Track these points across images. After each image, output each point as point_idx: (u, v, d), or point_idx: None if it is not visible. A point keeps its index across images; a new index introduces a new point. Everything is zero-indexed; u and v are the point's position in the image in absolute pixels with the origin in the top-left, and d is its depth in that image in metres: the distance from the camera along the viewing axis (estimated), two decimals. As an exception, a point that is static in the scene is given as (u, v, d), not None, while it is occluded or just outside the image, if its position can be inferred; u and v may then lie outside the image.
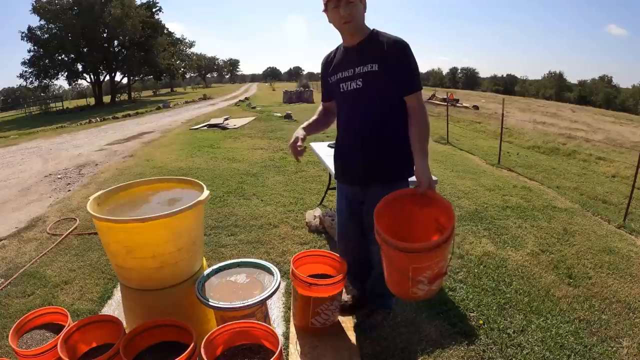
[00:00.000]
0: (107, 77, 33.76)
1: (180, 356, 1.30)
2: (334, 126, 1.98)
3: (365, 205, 1.80)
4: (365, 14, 1.64)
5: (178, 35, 61.13)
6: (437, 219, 1.51)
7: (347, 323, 2.04)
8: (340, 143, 1.87)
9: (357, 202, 1.86)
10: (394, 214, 1.55)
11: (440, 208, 1.49)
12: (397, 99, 1.63)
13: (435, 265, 1.38)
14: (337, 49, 1.79)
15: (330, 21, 1.65)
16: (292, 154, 1.72)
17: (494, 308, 2.27)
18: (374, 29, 1.66)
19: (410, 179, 1.72)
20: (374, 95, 1.63)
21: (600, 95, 65.38)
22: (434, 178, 2.61)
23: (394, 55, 1.57)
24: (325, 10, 1.64)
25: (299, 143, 1.66)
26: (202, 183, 1.84)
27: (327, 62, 1.81)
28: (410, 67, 1.59)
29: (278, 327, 2.08)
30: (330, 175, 3.75)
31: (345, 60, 1.69)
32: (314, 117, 1.94)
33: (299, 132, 1.74)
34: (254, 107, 17.03)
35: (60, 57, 29.83)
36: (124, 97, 35.90)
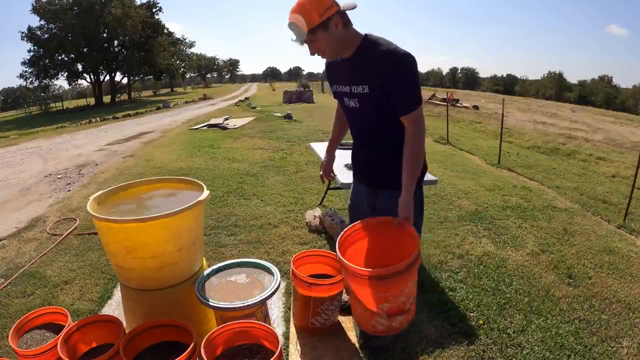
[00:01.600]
0: (107, 77, 33.75)
1: (180, 356, 1.30)
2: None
3: (375, 212, 1.74)
4: (348, 31, 1.47)
5: (178, 36, 61.23)
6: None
7: (347, 323, 2.04)
8: (353, 144, 1.85)
9: (369, 204, 1.81)
10: (370, 240, 1.57)
11: (408, 241, 1.46)
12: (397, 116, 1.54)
13: (393, 298, 1.34)
14: None
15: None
16: (323, 177, 1.97)
17: (494, 308, 2.27)
18: (366, 36, 1.50)
19: (426, 179, 1.72)
20: (371, 113, 1.57)
21: (600, 95, 65.37)
22: (433, 178, 2.63)
23: (381, 75, 1.45)
24: None
25: (332, 174, 1.93)
26: (202, 183, 1.84)
27: (329, 66, 1.73)
28: (401, 87, 1.46)
29: (278, 327, 2.08)
30: (330, 175, 3.74)
31: (342, 73, 1.61)
32: (334, 127, 1.99)
33: (329, 159, 1.97)
34: (254, 107, 17.03)
35: (60, 57, 29.83)
36: (124, 97, 35.90)
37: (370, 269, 1.34)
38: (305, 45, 1.49)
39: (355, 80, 1.54)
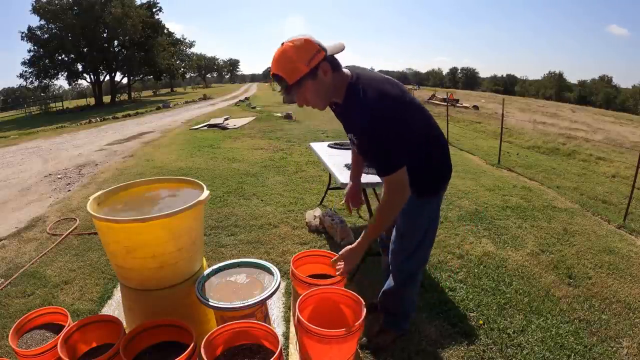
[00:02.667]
0: (107, 77, 33.75)
1: (180, 356, 1.30)
2: (336, 125, 2.01)
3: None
4: (334, 77, 1.37)
5: (178, 36, 61.17)
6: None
7: (347, 323, 2.04)
8: None
9: None
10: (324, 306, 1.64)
11: (352, 308, 1.57)
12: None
13: None
14: None
15: None
16: (349, 205, 1.95)
17: (494, 308, 2.27)
18: (350, 84, 1.39)
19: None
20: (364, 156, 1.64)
21: (600, 95, 65.40)
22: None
23: (362, 135, 1.43)
24: None
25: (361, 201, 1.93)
26: (202, 183, 1.84)
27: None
28: (370, 152, 1.44)
29: (278, 327, 2.08)
30: (330, 176, 3.74)
31: (340, 117, 1.58)
32: (352, 162, 1.96)
33: (354, 186, 1.93)
34: (254, 107, 17.02)
35: (60, 57, 29.84)
36: (124, 97, 35.90)
37: (311, 326, 1.40)
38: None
39: (347, 127, 1.54)
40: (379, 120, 1.34)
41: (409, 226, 1.68)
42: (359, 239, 1.56)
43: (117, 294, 2.38)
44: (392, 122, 1.36)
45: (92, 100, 33.12)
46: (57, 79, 34.62)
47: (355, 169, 1.94)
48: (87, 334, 1.59)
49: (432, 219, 1.70)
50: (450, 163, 1.65)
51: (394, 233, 1.75)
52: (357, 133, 1.46)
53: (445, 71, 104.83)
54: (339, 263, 1.65)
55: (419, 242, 1.70)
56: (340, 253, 1.63)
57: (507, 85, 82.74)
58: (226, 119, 11.49)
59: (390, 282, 1.86)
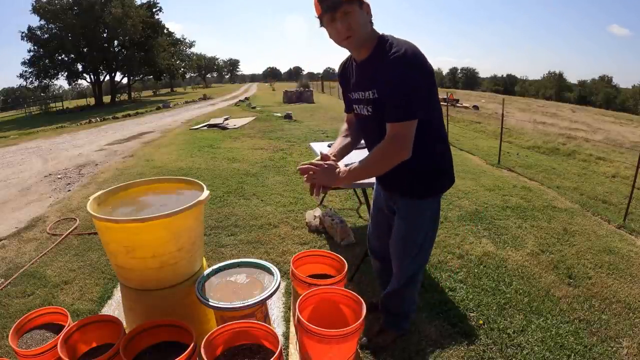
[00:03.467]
0: (107, 77, 33.77)
1: (180, 356, 1.30)
2: (336, 125, 1.98)
3: (395, 217, 1.72)
4: (373, 19, 1.42)
5: (178, 36, 61.18)
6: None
7: (347, 323, 2.04)
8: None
9: (388, 208, 1.79)
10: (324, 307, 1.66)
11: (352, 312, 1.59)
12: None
13: None
14: (351, 57, 1.57)
15: (329, 37, 1.43)
16: (312, 189, 1.48)
17: (494, 308, 2.27)
18: (382, 36, 1.42)
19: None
20: (382, 122, 1.41)
21: (600, 95, 65.38)
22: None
23: (387, 75, 1.35)
24: (322, 26, 1.42)
25: (326, 190, 1.51)
26: (202, 183, 1.84)
27: (343, 73, 1.64)
28: (397, 90, 1.34)
29: (278, 327, 2.08)
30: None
31: (357, 79, 1.52)
32: (340, 139, 1.72)
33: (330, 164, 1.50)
34: (254, 107, 17.02)
35: (60, 57, 29.86)
36: (124, 97, 35.91)
37: (310, 326, 1.42)
38: (321, 31, 1.41)
39: (368, 86, 1.45)
40: (410, 65, 1.33)
41: (411, 229, 1.67)
42: (348, 169, 1.44)
43: (117, 294, 2.38)
44: (421, 70, 1.35)
45: (92, 100, 33.13)
46: (57, 79, 34.64)
47: (346, 145, 1.68)
48: (87, 334, 1.59)
49: (434, 220, 1.70)
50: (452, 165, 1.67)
51: (394, 236, 1.74)
52: (384, 79, 1.37)
53: (445, 71, 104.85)
54: (310, 167, 1.45)
55: (421, 244, 1.69)
56: (320, 163, 1.45)
57: (507, 85, 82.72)
58: (226, 119, 11.49)
59: (393, 284, 1.85)
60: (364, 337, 1.92)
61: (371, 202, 2.00)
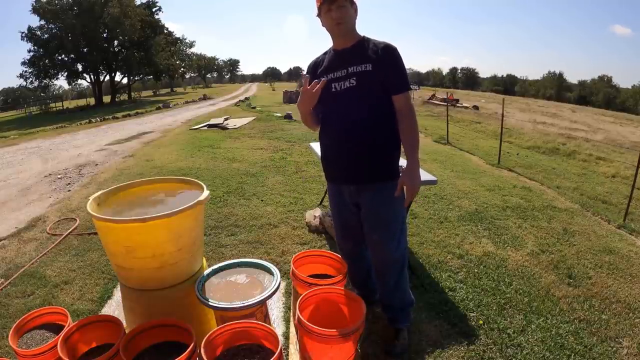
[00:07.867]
0: (107, 77, 33.76)
1: (180, 356, 1.30)
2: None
3: (362, 210, 1.81)
4: (356, 20, 1.72)
5: (178, 35, 61.09)
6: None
7: (347, 323, 2.04)
8: (329, 143, 1.83)
9: (353, 202, 1.84)
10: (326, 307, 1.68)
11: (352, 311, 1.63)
12: (388, 100, 1.68)
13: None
14: (326, 53, 1.83)
15: (323, 25, 1.72)
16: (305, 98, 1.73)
17: (494, 308, 2.27)
18: (364, 36, 1.74)
19: (425, 178, 1.82)
20: (366, 94, 1.67)
21: (600, 95, 65.39)
22: (432, 178, 2.63)
23: (385, 57, 1.65)
24: (319, 15, 1.71)
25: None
26: (202, 183, 1.84)
27: (316, 65, 1.83)
28: (400, 69, 1.68)
29: (278, 327, 2.08)
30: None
31: (338, 62, 1.73)
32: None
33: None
34: (254, 107, 17.03)
35: (60, 57, 29.84)
36: (124, 97, 35.88)
37: (309, 325, 1.46)
38: (321, 31, 1.71)
39: (356, 62, 1.67)
40: (397, 51, 1.68)
41: (391, 211, 1.76)
42: (409, 159, 1.66)
43: (117, 294, 2.38)
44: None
45: (92, 101, 33.13)
46: (57, 79, 34.60)
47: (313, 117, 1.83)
48: (87, 334, 1.59)
49: (400, 201, 1.77)
50: None
51: (372, 225, 1.78)
52: (376, 55, 1.65)
53: (445, 71, 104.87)
54: (403, 191, 1.69)
55: (402, 223, 1.80)
56: (400, 180, 1.68)
57: (507, 86, 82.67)
58: (226, 119, 11.49)
59: (387, 279, 1.86)
60: (385, 348, 1.87)
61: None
